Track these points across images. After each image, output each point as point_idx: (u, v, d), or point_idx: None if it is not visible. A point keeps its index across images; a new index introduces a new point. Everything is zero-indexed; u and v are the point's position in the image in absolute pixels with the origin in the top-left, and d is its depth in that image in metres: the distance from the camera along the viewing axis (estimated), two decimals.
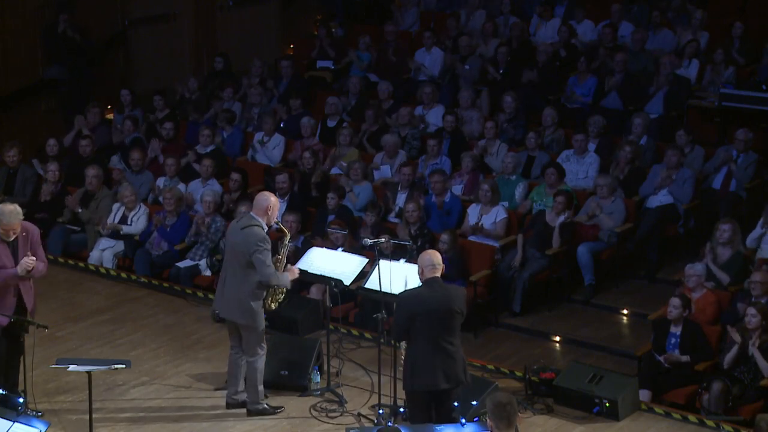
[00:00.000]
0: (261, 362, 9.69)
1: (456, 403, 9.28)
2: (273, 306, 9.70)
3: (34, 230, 9.46)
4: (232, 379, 9.86)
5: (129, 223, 13.27)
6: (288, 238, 9.89)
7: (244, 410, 9.81)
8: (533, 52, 16.02)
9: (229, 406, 9.87)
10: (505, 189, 13.03)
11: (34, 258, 9.25)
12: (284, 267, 9.83)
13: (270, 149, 14.72)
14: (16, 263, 9.18)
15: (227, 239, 9.88)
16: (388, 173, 13.85)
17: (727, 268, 11.19)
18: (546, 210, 12.41)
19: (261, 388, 9.77)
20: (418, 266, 8.60)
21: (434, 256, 8.58)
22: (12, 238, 9.17)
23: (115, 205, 13.50)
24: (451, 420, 8.63)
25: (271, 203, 9.56)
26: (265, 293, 9.57)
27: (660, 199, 12.76)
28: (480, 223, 12.44)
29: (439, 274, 8.56)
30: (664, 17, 16.37)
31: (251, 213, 9.59)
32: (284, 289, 9.79)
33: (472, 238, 12.44)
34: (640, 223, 12.65)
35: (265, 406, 9.78)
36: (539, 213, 12.47)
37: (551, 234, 12.17)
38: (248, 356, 9.65)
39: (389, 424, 9.26)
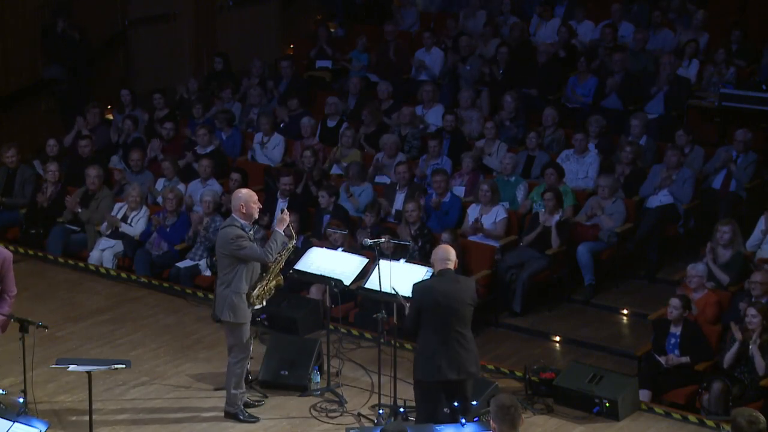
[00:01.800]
0: (240, 367, 9.62)
1: (456, 403, 9.29)
2: (257, 303, 9.59)
3: (6, 256, 9.46)
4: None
5: (129, 223, 13.27)
6: (292, 242, 9.80)
7: None
8: (533, 52, 16.02)
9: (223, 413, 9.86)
10: (504, 190, 13.02)
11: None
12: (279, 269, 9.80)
13: (270, 149, 14.71)
14: None
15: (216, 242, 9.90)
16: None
17: (727, 268, 11.19)
18: (540, 211, 12.40)
19: (235, 392, 9.69)
20: (432, 260, 8.79)
21: (448, 251, 8.77)
22: None
23: (117, 205, 13.50)
24: (466, 412, 8.71)
25: (243, 200, 9.50)
26: (249, 289, 9.51)
27: (660, 199, 12.75)
28: (480, 223, 12.44)
29: (452, 267, 8.72)
30: (665, 17, 16.37)
31: (232, 214, 9.60)
32: (272, 287, 9.70)
33: (472, 238, 12.44)
34: (640, 223, 12.64)
35: (239, 412, 9.72)
36: (537, 214, 12.45)
37: (549, 234, 12.16)
38: (230, 357, 9.63)
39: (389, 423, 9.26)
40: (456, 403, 9.28)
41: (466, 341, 8.69)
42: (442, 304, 8.59)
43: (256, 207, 9.55)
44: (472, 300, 8.75)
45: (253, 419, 9.75)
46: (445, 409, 8.86)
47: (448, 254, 8.74)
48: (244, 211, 9.48)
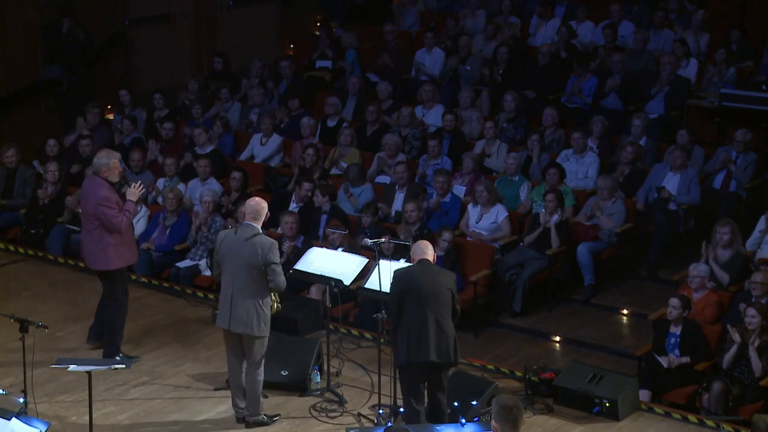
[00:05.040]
0: (263, 373, 9.59)
1: (456, 403, 9.32)
2: (276, 308, 9.61)
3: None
4: (241, 393, 9.66)
5: None
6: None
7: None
8: (533, 52, 16.02)
9: (242, 421, 9.72)
10: (507, 190, 13.02)
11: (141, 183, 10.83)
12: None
13: (267, 148, 14.71)
14: None
15: (228, 251, 9.47)
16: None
17: (727, 268, 11.18)
18: (540, 212, 12.39)
19: (262, 399, 9.69)
20: (411, 254, 9.19)
21: (426, 244, 9.20)
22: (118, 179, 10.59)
23: None
24: (442, 400, 8.96)
25: (264, 208, 9.51)
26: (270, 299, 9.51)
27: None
28: (475, 230, 12.45)
29: (430, 260, 9.08)
30: (667, 18, 16.35)
31: (248, 222, 9.48)
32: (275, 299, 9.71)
33: (471, 239, 12.45)
34: (641, 222, 12.63)
35: (263, 416, 9.69)
36: (537, 215, 12.44)
37: (549, 234, 12.16)
38: (253, 369, 9.48)
39: (389, 424, 9.26)
40: (456, 403, 9.31)
41: (447, 324, 8.91)
42: (423, 288, 8.87)
43: (266, 216, 9.59)
44: (451, 288, 8.99)
45: (277, 416, 9.74)
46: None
47: (426, 247, 9.13)
48: (263, 219, 9.48)
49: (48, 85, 16.64)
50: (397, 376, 9.27)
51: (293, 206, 13.07)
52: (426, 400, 9.11)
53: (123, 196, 10.65)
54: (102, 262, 10.59)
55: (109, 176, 10.50)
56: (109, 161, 10.49)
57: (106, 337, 10.76)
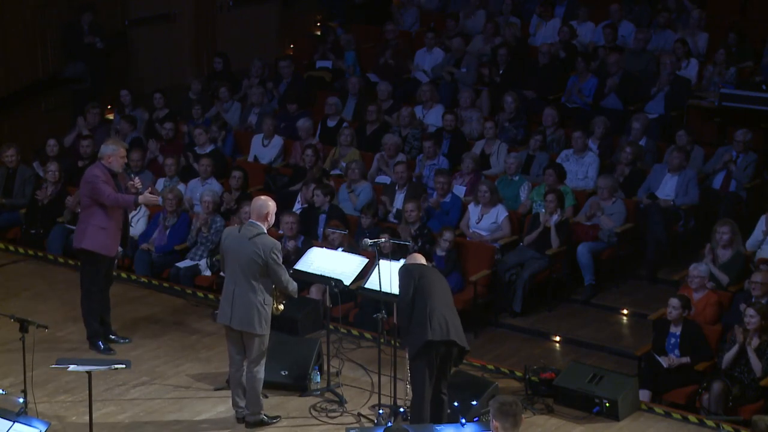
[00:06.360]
0: (263, 371, 9.58)
1: (456, 403, 9.31)
2: (280, 309, 9.63)
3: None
4: (241, 391, 9.64)
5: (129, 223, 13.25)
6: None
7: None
8: (533, 52, 16.02)
9: (242, 421, 9.69)
10: (507, 189, 13.02)
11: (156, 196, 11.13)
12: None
13: (269, 150, 14.72)
14: None
15: (229, 249, 9.48)
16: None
17: (727, 268, 11.18)
18: (540, 212, 12.39)
19: (262, 399, 9.69)
20: (407, 262, 9.51)
21: (419, 257, 9.54)
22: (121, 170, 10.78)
23: None
24: (444, 395, 9.06)
25: (270, 208, 9.47)
26: (272, 298, 9.51)
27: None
28: (475, 231, 12.45)
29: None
30: (669, 18, 16.34)
31: (252, 221, 9.47)
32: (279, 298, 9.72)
33: (471, 239, 12.45)
34: (648, 223, 12.63)
35: (264, 416, 9.70)
36: (537, 214, 12.44)
37: (549, 234, 12.16)
38: (252, 366, 9.47)
39: (389, 424, 9.26)
40: (456, 403, 9.31)
41: (457, 315, 9.12)
42: (433, 282, 9.06)
43: (273, 216, 9.58)
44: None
45: (277, 418, 9.72)
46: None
47: (420, 258, 9.51)
48: (269, 220, 9.47)
49: (49, 84, 16.64)
50: (409, 366, 9.18)
51: (297, 207, 13.07)
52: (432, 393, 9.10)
53: (119, 187, 10.76)
54: (79, 238, 10.86)
55: (112, 164, 10.70)
56: (110, 149, 10.72)
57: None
